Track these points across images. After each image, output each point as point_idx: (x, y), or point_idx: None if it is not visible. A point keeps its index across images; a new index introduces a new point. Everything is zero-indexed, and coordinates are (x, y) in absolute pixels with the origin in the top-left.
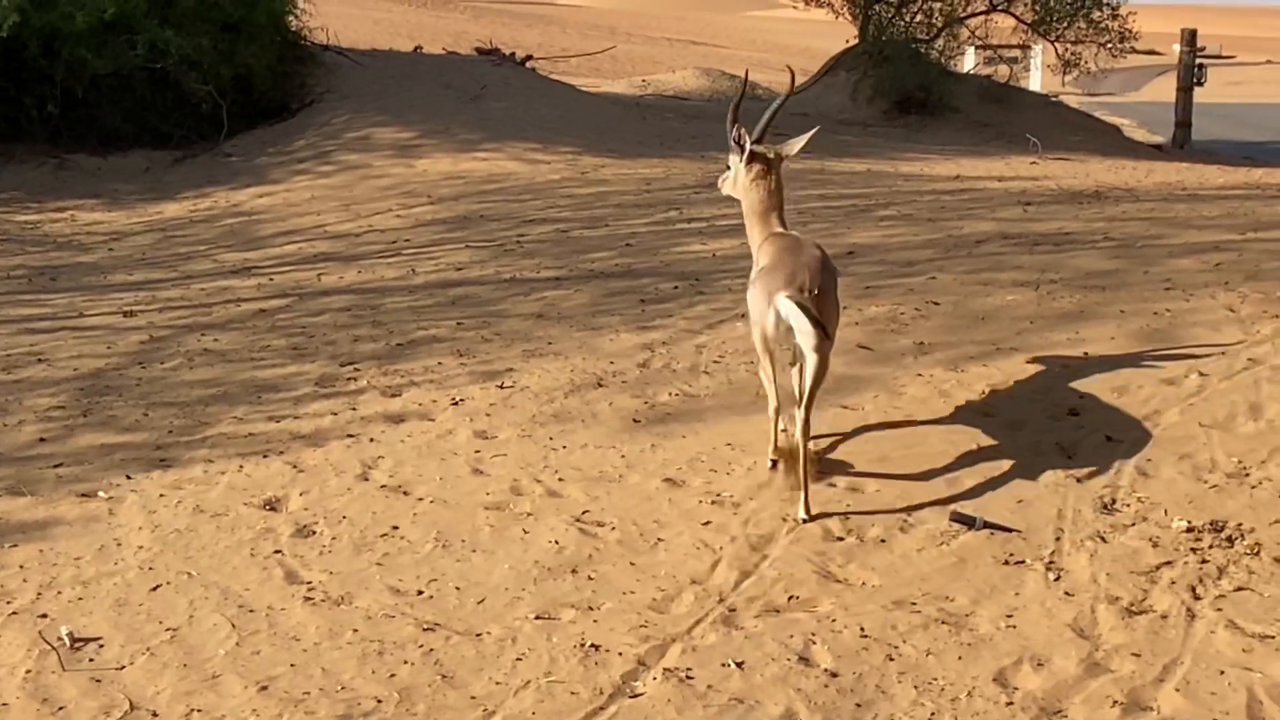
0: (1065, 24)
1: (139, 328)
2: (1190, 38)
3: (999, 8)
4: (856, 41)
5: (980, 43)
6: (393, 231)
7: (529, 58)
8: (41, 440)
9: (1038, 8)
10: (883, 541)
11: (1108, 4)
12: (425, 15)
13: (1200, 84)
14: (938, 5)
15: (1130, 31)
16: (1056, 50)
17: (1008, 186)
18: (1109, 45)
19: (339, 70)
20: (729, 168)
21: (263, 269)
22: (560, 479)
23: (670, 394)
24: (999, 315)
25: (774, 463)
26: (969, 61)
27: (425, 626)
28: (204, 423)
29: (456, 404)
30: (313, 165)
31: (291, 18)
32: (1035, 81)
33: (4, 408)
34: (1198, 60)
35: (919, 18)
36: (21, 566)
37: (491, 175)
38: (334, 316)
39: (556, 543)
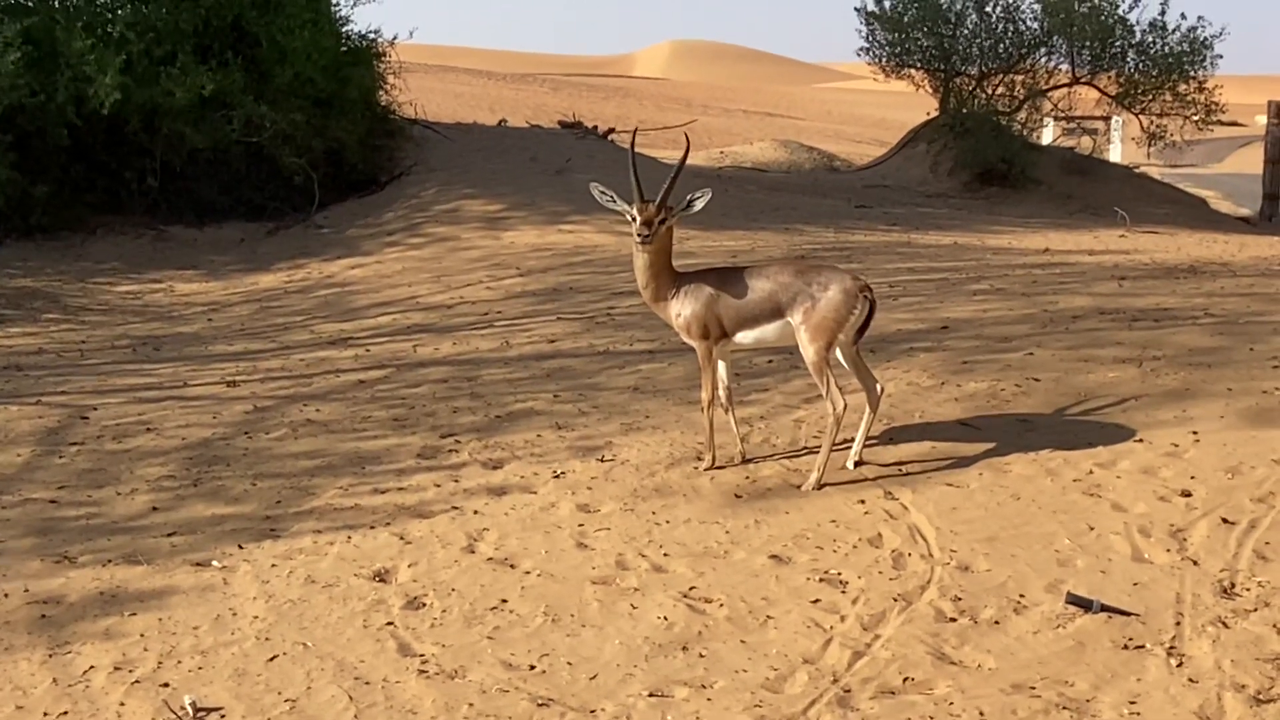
0: (1150, 97)
1: (242, 398)
2: (1278, 109)
3: (1082, 80)
4: (936, 114)
5: (1061, 115)
6: (484, 303)
7: (611, 131)
8: (154, 509)
9: (1122, 81)
10: (996, 623)
11: (1193, 77)
12: (505, 88)
13: None
14: (1020, 78)
15: (1217, 104)
16: (1141, 123)
17: (1099, 260)
18: (1195, 118)
19: (427, 143)
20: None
21: (359, 340)
22: (665, 554)
23: (771, 469)
24: (1102, 392)
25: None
26: (1048, 134)
27: (540, 702)
28: (310, 493)
29: (558, 477)
30: (403, 237)
31: (381, 93)
32: (1116, 153)
33: (117, 477)
34: None
35: (1000, 90)
36: (142, 635)
37: (578, 247)
38: (432, 388)
39: (665, 619)
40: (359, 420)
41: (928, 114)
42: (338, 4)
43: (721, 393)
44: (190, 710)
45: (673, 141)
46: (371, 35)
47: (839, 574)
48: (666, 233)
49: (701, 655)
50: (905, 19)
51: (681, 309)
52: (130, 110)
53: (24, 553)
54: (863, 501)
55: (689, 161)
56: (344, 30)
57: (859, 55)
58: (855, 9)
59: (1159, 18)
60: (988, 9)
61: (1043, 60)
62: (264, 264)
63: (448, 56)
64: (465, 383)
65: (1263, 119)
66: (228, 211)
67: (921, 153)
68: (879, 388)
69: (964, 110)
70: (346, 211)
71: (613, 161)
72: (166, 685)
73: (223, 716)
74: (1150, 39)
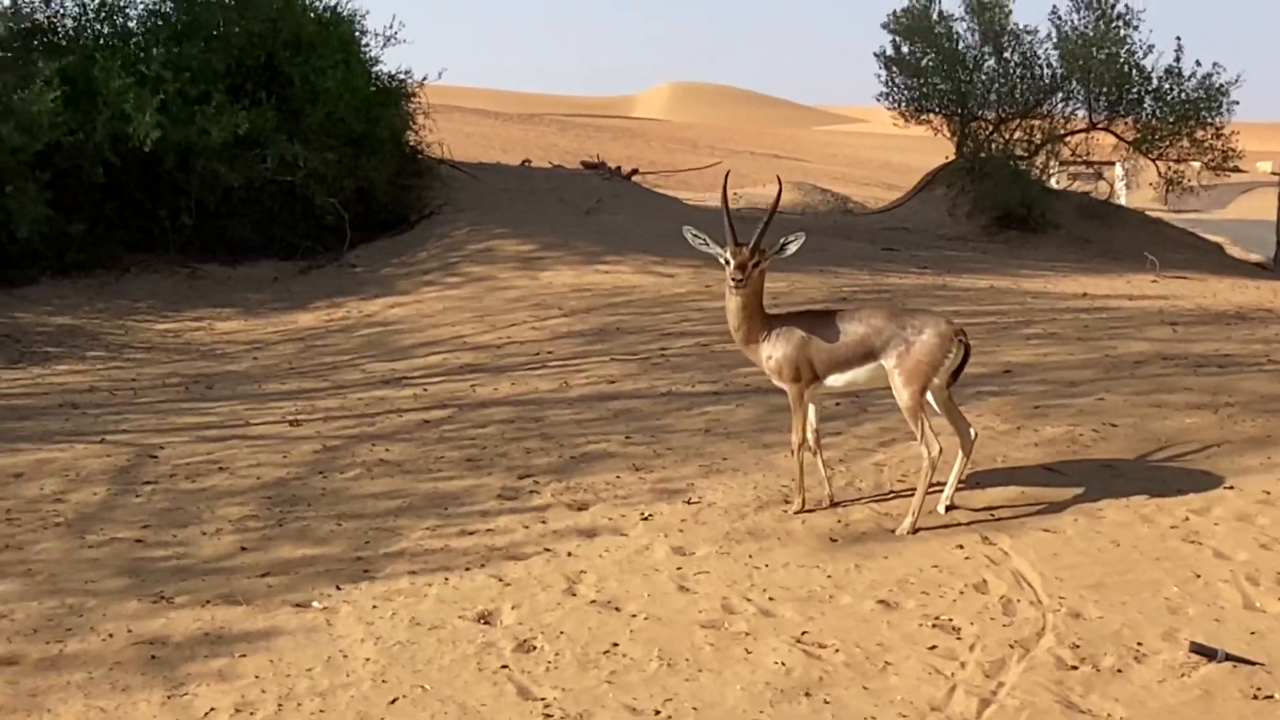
0: (1167, 143)
1: (308, 437)
2: None
3: (1100, 126)
4: (953, 158)
5: (1070, 160)
6: (533, 343)
7: (634, 171)
8: (243, 549)
9: (1139, 127)
10: (1119, 671)
11: (1210, 123)
12: (513, 128)
13: None
14: (1037, 123)
15: (1234, 150)
16: (1159, 169)
17: (1142, 306)
18: (1212, 164)
19: (454, 183)
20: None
21: (414, 380)
22: (770, 598)
23: (861, 513)
24: (1182, 439)
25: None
26: (1053, 180)
27: None
28: (397, 534)
29: (646, 519)
30: (439, 276)
31: (409, 132)
32: (1121, 199)
33: (198, 516)
34: None
35: (1017, 135)
36: (257, 677)
37: (618, 288)
38: (499, 428)
39: (783, 664)
40: (432, 460)
41: (946, 158)
42: (367, 45)
43: (809, 435)
44: None
45: (684, 183)
46: (401, 76)
47: (950, 620)
48: (759, 276)
49: (826, 701)
50: (924, 64)
51: (773, 351)
52: (166, 148)
53: (119, 593)
54: (961, 546)
55: (710, 204)
56: (374, 70)
57: (879, 100)
58: (875, 54)
59: (1175, 64)
60: (1005, 54)
61: (1060, 106)
62: (300, 302)
63: (451, 96)
64: (532, 423)
65: (1265, 165)
66: (260, 250)
67: (939, 196)
68: (972, 432)
69: (982, 154)
70: (378, 250)
71: (641, 202)
72: None
73: None
74: (1167, 85)
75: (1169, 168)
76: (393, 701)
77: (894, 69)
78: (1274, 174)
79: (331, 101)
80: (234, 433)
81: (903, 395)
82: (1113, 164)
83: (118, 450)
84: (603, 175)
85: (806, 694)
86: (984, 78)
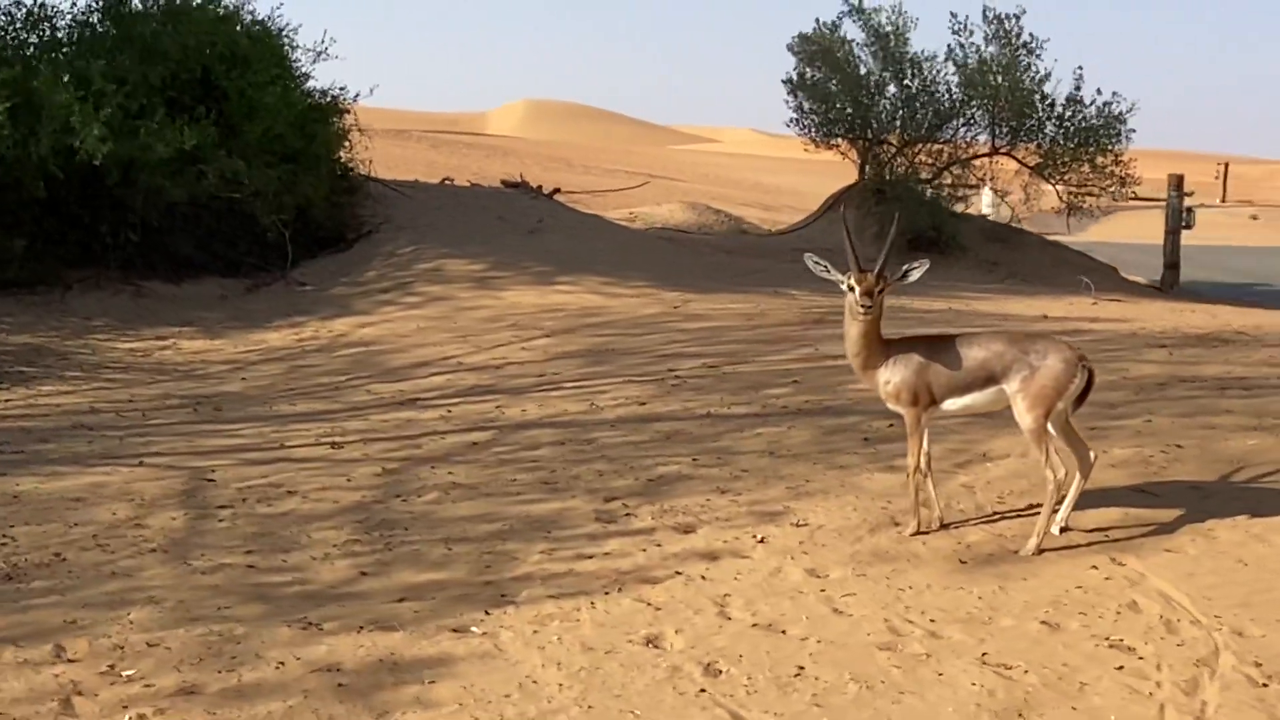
0: (1067, 168)
1: (358, 460)
2: (1178, 183)
3: (1001, 151)
4: (857, 180)
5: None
6: (531, 364)
7: (556, 191)
8: (363, 575)
9: (1042, 153)
10: None
11: (1110, 150)
12: (390, 145)
13: (1189, 227)
14: (942, 147)
15: (1131, 177)
16: (1059, 193)
17: (1114, 329)
18: (1111, 190)
19: (385, 201)
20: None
21: (430, 401)
22: (931, 620)
23: (977, 534)
24: (1253, 460)
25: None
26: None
27: None
28: (514, 558)
29: (761, 542)
30: (396, 296)
31: (341, 150)
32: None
33: (295, 540)
34: (1186, 205)
35: (921, 158)
36: (460, 704)
37: (585, 309)
38: (554, 450)
39: (980, 685)
40: (505, 483)
41: (860, 179)
42: (298, 60)
43: (921, 459)
44: None
45: (576, 201)
46: (335, 92)
47: (1122, 640)
48: (881, 302)
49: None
50: (829, 87)
51: (891, 376)
52: (110, 163)
53: (261, 619)
54: (1095, 567)
55: (613, 218)
56: (306, 87)
57: (788, 126)
58: (782, 81)
59: (1075, 92)
60: (906, 81)
61: (962, 130)
62: (259, 321)
63: None
64: (585, 445)
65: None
66: (203, 267)
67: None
68: (1091, 455)
69: (885, 177)
70: (322, 269)
71: (579, 223)
72: None
73: None
74: (1069, 113)
75: (1069, 193)
76: None
77: (801, 95)
78: (1133, 198)
79: (269, 117)
80: (275, 455)
81: (1026, 420)
82: (977, 186)
83: (166, 474)
84: (530, 195)
85: (1019, 715)
86: (887, 103)
